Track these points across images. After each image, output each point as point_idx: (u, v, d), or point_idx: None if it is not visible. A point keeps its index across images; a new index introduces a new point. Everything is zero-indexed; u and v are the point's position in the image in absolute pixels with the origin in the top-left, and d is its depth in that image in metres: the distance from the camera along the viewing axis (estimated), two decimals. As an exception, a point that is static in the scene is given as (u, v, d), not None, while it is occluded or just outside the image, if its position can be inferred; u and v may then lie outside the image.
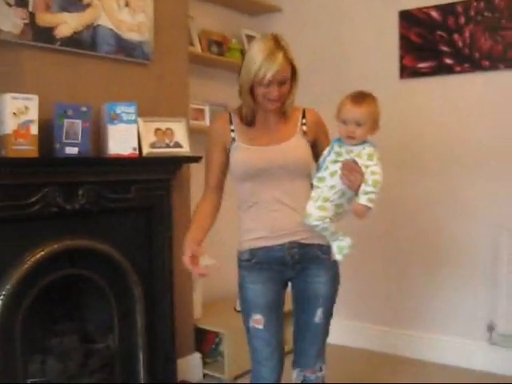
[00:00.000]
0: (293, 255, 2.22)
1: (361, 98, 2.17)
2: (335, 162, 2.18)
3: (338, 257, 2.25)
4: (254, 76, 2.07)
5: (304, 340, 2.35)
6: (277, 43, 2.09)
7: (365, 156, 2.14)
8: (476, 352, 3.68)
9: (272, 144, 2.20)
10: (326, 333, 2.37)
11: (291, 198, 2.21)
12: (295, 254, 2.22)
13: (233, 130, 2.23)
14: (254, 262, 2.23)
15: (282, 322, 2.32)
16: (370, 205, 2.09)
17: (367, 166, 2.11)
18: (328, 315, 2.33)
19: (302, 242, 2.22)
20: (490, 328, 3.61)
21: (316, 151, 2.29)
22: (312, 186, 2.24)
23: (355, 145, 2.16)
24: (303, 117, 2.28)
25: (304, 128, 2.26)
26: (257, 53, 2.08)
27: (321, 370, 2.38)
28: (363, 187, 2.09)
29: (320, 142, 2.30)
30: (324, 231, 2.21)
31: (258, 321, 2.23)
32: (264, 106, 2.18)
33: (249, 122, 2.22)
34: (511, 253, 3.51)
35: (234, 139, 2.22)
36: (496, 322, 3.60)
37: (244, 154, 2.20)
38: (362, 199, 2.10)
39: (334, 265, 2.31)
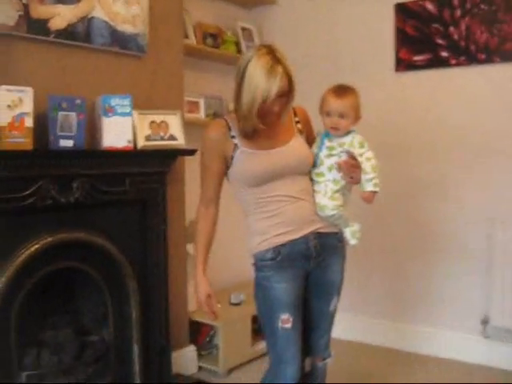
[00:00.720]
0: (315, 246, 2.24)
1: (342, 90, 2.26)
2: (330, 156, 2.27)
3: (353, 241, 2.35)
4: (262, 98, 2.06)
5: (318, 329, 2.39)
6: (274, 57, 2.08)
7: (357, 144, 2.24)
8: (470, 345, 3.69)
9: (276, 146, 2.23)
10: (334, 320, 2.43)
11: (300, 192, 2.24)
12: (317, 244, 2.25)
13: (233, 137, 2.22)
14: (279, 259, 2.21)
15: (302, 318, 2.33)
16: (376, 189, 2.21)
17: (361, 154, 2.22)
18: (338, 303, 2.40)
19: (321, 231, 2.26)
20: (485, 321, 3.63)
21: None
22: (312, 180, 2.31)
23: (344, 136, 2.25)
24: (295, 115, 2.34)
25: (299, 126, 2.33)
26: (258, 73, 2.05)
27: (329, 355, 2.45)
28: (364, 176, 2.21)
29: (309, 137, 2.37)
30: (338, 219, 2.29)
31: (285, 320, 2.22)
32: (266, 122, 2.16)
33: (249, 135, 2.20)
34: (505, 246, 3.52)
35: (236, 145, 2.21)
36: (490, 315, 3.61)
37: (252, 158, 2.20)
38: (368, 186, 2.21)
39: (345, 254, 2.39)
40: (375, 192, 2.22)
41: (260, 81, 2.05)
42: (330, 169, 2.26)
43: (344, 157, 2.24)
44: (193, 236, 3.61)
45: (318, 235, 2.25)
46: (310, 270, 2.28)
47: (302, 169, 2.26)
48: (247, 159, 2.20)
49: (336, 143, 2.26)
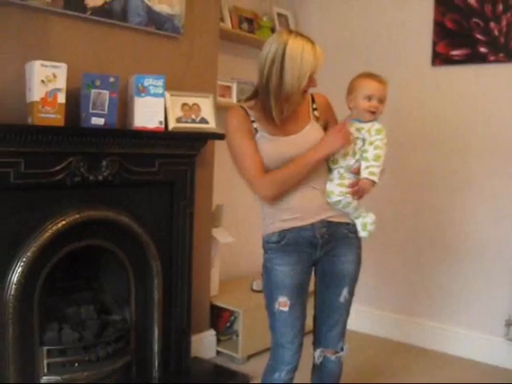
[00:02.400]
0: (322, 235, 2.24)
1: (379, 76, 2.26)
2: None
3: (363, 234, 2.31)
4: (311, 72, 2.12)
5: (328, 320, 2.36)
6: (302, 35, 2.15)
7: (373, 131, 2.22)
8: (492, 347, 3.64)
9: (292, 133, 2.24)
10: (348, 312, 2.39)
11: (315, 180, 2.24)
12: (324, 233, 2.24)
13: (253, 121, 2.23)
14: (284, 243, 2.22)
15: (306, 304, 2.33)
16: (370, 177, 2.18)
17: (372, 142, 2.20)
18: (352, 295, 2.36)
19: (331, 220, 2.25)
20: (509, 323, 3.57)
21: None
22: (329, 168, 2.31)
23: (366, 122, 2.24)
24: (313, 102, 2.33)
25: (316, 113, 2.32)
26: (305, 50, 2.10)
27: (342, 350, 2.41)
28: (364, 163, 2.19)
29: (330, 124, 2.35)
30: (347, 206, 2.26)
31: (283, 303, 2.23)
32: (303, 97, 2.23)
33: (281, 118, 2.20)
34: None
35: (256, 130, 2.22)
36: (515, 317, 3.56)
37: (272, 144, 2.20)
38: (364, 173, 2.19)
39: (359, 245, 2.35)
40: (372, 181, 2.19)
41: (308, 56, 2.09)
42: (344, 156, 2.24)
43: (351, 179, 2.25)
44: (219, 220, 3.63)
45: (328, 224, 2.25)
46: (317, 258, 2.28)
47: None
48: (264, 145, 2.20)
49: (354, 128, 2.24)
